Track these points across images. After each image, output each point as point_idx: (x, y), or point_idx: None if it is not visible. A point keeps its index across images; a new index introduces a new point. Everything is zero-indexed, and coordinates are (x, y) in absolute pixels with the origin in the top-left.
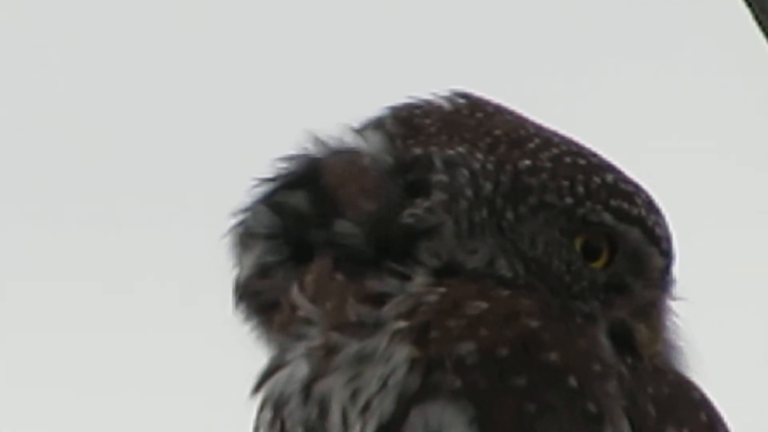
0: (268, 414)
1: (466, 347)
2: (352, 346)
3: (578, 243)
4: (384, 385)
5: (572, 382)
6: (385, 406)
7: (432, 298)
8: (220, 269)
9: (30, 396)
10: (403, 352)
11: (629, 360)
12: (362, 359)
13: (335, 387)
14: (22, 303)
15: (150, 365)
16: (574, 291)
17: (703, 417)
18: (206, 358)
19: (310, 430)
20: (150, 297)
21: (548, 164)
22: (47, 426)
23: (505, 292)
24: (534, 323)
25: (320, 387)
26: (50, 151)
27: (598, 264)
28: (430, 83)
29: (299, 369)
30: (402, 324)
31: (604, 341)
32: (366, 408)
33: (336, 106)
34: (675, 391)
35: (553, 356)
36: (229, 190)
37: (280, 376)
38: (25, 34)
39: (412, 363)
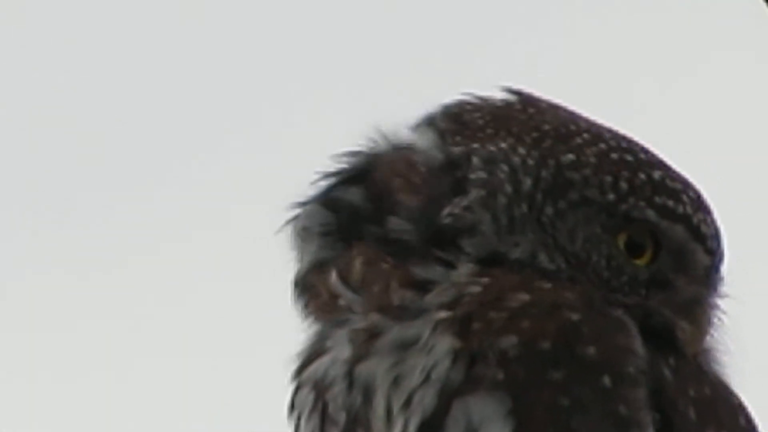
0: (310, 396)
1: (509, 340)
2: (394, 330)
3: (621, 239)
4: (427, 377)
5: (606, 381)
6: (427, 401)
7: (475, 288)
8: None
9: (30, 392)
10: (445, 344)
11: (671, 360)
12: (404, 345)
13: (378, 371)
14: (31, 296)
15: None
16: (614, 286)
17: (742, 421)
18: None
19: (354, 416)
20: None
21: (593, 159)
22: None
23: (548, 285)
24: (575, 316)
25: (363, 369)
26: (48, 145)
27: (642, 260)
28: (469, 80)
29: (342, 351)
30: (444, 314)
31: (639, 339)
32: (408, 402)
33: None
34: (716, 393)
35: (591, 350)
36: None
37: (323, 360)
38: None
39: (455, 355)
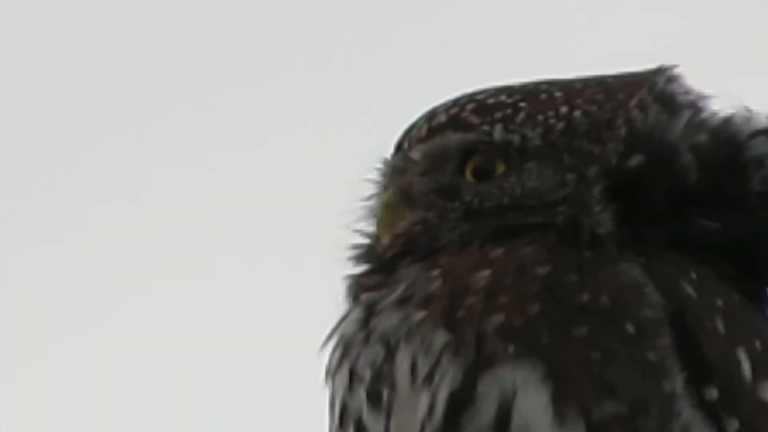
0: (337, 353)
1: (496, 320)
2: (390, 295)
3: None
4: (437, 363)
5: (629, 328)
6: (452, 376)
7: (436, 283)
8: None
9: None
10: (437, 337)
11: (693, 274)
12: (403, 302)
13: (390, 322)
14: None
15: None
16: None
17: None
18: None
19: (378, 372)
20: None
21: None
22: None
23: (498, 251)
24: (545, 269)
25: (376, 323)
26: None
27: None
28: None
29: (354, 312)
30: (423, 314)
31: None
32: (431, 374)
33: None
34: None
35: (585, 297)
36: None
37: (344, 319)
38: None
39: (456, 347)
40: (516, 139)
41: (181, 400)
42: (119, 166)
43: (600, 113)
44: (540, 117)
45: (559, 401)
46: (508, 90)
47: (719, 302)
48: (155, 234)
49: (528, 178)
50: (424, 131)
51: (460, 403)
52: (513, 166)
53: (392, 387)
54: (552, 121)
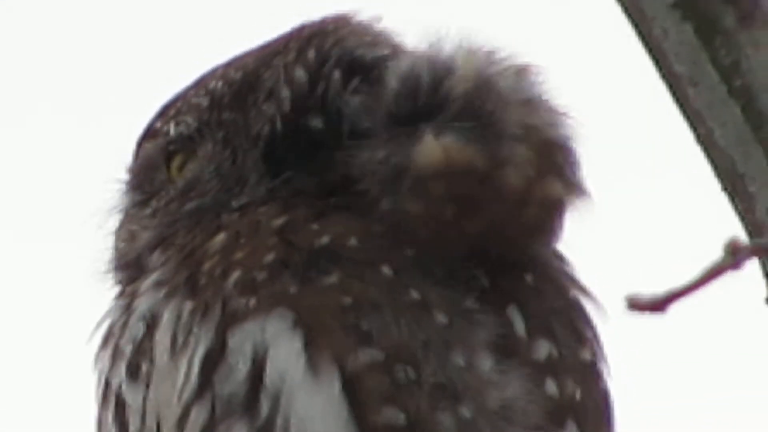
0: (102, 336)
1: (234, 276)
2: (146, 280)
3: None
4: (190, 331)
5: (386, 270)
6: (204, 336)
7: (178, 259)
8: None
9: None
10: (185, 307)
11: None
12: (158, 284)
13: (148, 301)
14: None
15: None
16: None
17: None
18: None
19: (137, 347)
20: None
21: None
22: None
23: (233, 216)
24: (280, 221)
25: (136, 305)
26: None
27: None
28: None
29: (118, 302)
30: (171, 289)
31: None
32: (186, 341)
33: None
34: None
35: (325, 240)
36: None
37: (110, 310)
38: None
39: (202, 312)
40: (182, 128)
41: None
42: None
43: (245, 78)
44: (194, 99)
45: (312, 350)
46: (196, 80)
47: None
48: None
49: (200, 162)
50: (135, 146)
51: (213, 362)
52: (189, 155)
53: (151, 361)
54: (201, 100)
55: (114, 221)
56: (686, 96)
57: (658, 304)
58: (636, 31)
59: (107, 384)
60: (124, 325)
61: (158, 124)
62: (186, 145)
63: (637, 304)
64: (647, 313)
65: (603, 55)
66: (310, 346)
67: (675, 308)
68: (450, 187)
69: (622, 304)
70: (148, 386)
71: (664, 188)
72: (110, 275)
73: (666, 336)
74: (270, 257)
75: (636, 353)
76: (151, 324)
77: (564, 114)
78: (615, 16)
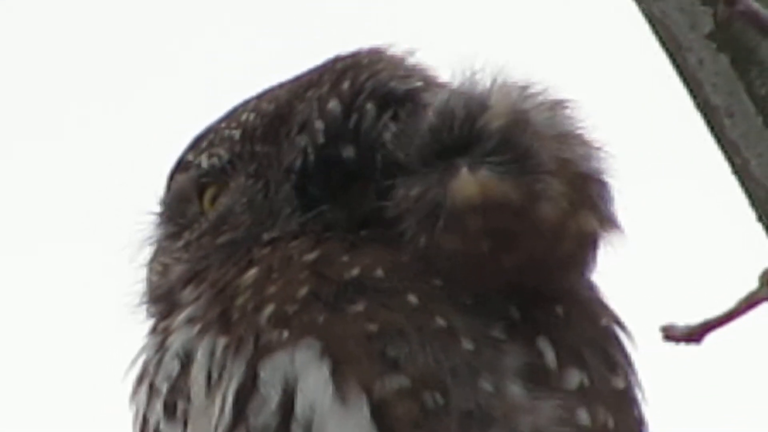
0: (138, 374)
1: (267, 311)
2: (179, 316)
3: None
4: (224, 366)
5: (412, 299)
6: (236, 370)
7: (210, 294)
8: None
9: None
10: (219, 343)
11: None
12: (191, 320)
13: (181, 338)
14: None
15: None
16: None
17: None
18: None
19: (173, 386)
20: None
21: None
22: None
23: (265, 249)
24: (312, 255)
25: (170, 342)
26: None
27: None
28: None
29: (151, 339)
30: (205, 325)
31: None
32: (220, 381)
33: None
34: None
35: (356, 272)
36: None
37: (144, 348)
38: None
39: (235, 347)
40: (215, 161)
41: None
42: None
43: (277, 111)
44: (226, 131)
45: (338, 378)
46: (228, 112)
47: None
48: None
49: (232, 195)
50: (168, 178)
51: (246, 394)
52: (221, 187)
53: (187, 399)
54: (233, 132)
55: (146, 253)
56: (722, 126)
57: (693, 335)
58: (671, 62)
59: (145, 421)
60: (159, 362)
61: (190, 157)
62: (218, 177)
63: (672, 335)
64: (682, 343)
65: (638, 86)
66: (336, 374)
67: (710, 338)
68: (486, 222)
69: (657, 335)
70: (185, 424)
71: (699, 218)
72: (142, 308)
73: (701, 366)
74: (303, 291)
75: (671, 384)
76: (186, 362)
77: (598, 147)
78: (650, 47)
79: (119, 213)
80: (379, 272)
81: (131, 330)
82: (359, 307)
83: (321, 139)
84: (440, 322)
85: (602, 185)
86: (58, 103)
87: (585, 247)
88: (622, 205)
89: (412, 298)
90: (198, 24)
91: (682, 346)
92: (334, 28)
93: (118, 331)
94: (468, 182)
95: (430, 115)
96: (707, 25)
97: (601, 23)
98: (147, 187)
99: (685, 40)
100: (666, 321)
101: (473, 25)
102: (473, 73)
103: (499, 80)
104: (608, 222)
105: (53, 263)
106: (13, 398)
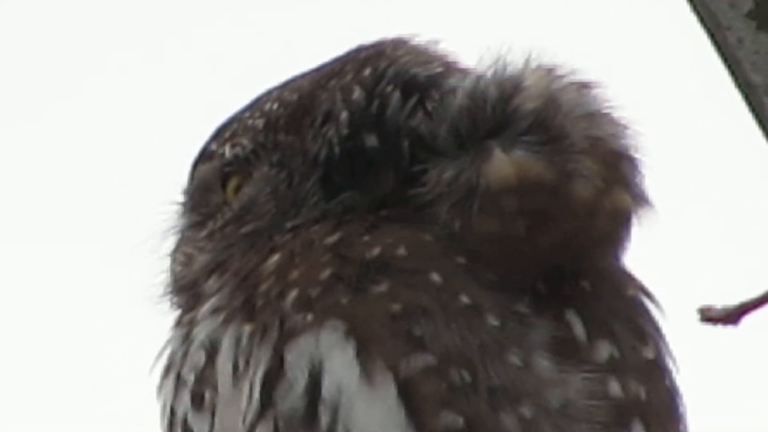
0: (164, 366)
1: (291, 296)
2: (203, 307)
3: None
4: (250, 354)
5: (435, 277)
6: (263, 355)
7: (233, 283)
8: None
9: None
10: (244, 331)
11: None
12: (215, 310)
13: (207, 329)
14: None
15: None
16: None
17: None
18: None
19: (200, 377)
20: None
21: None
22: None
23: (286, 236)
24: (333, 238)
25: (195, 333)
26: None
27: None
28: None
29: (177, 330)
30: (229, 314)
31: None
32: (247, 362)
33: None
34: None
35: (377, 252)
36: None
37: (169, 340)
38: None
39: (261, 333)
40: (238, 150)
41: None
42: None
43: (301, 101)
44: (250, 121)
45: (364, 358)
46: (251, 102)
47: None
48: None
49: (256, 185)
50: (191, 168)
51: (273, 380)
52: (245, 177)
53: (215, 389)
54: (256, 122)
55: (170, 243)
56: (762, 105)
57: (731, 316)
58: (711, 41)
59: (173, 412)
60: (185, 354)
61: (214, 146)
62: (242, 167)
63: (710, 316)
64: (720, 324)
65: (676, 64)
66: (362, 354)
67: (747, 320)
68: (522, 203)
69: (694, 316)
70: (213, 414)
71: (737, 199)
72: (167, 298)
73: (738, 348)
74: (325, 274)
75: (707, 365)
76: (212, 352)
77: (627, 125)
78: (689, 26)
79: (127, 207)
80: (402, 251)
81: (154, 323)
82: (382, 287)
83: (345, 130)
84: (464, 299)
85: (633, 163)
86: (61, 100)
87: (619, 225)
88: (656, 184)
89: (436, 277)
90: (207, 14)
91: (720, 328)
92: (351, 21)
93: (142, 325)
94: (503, 163)
95: (460, 97)
96: (747, 4)
97: (639, 2)
98: (164, 179)
99: (725, 18)
100: (703, 303)
101: (498, 12)
102: (503, 56)
103: (531, 62)
104: (641, 199)
105: (69, 259)
106: (25, 397)
